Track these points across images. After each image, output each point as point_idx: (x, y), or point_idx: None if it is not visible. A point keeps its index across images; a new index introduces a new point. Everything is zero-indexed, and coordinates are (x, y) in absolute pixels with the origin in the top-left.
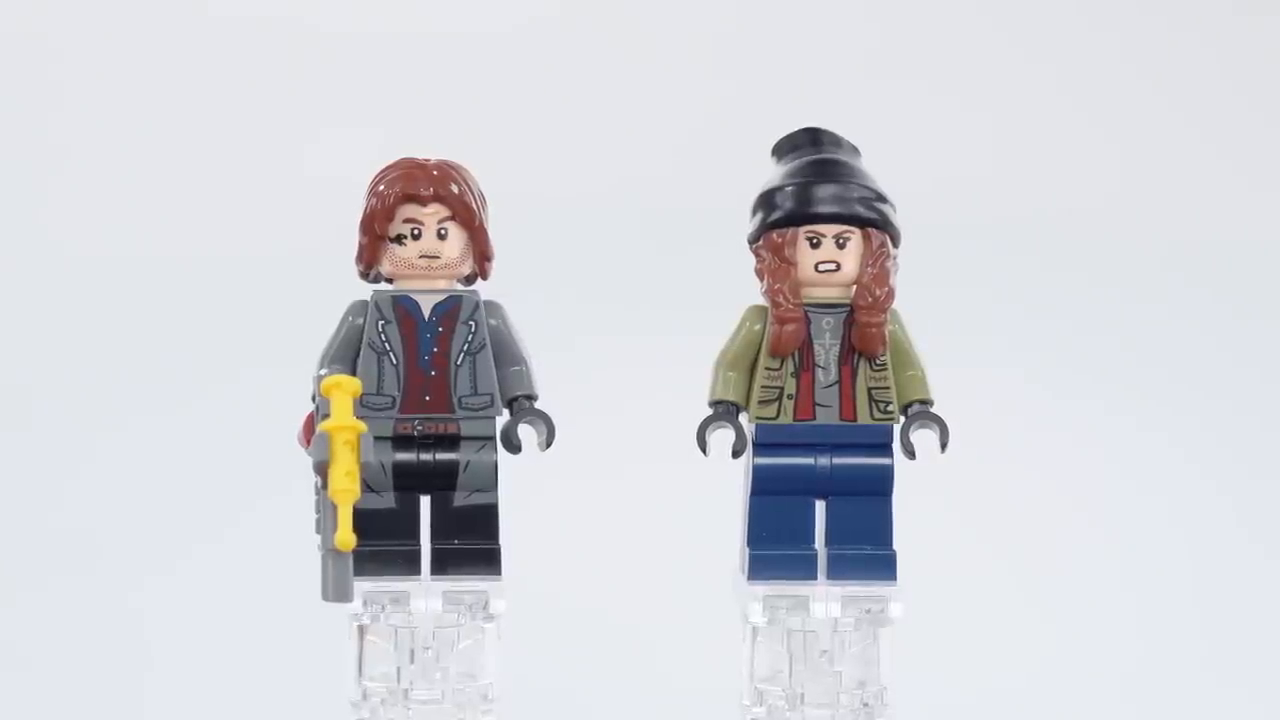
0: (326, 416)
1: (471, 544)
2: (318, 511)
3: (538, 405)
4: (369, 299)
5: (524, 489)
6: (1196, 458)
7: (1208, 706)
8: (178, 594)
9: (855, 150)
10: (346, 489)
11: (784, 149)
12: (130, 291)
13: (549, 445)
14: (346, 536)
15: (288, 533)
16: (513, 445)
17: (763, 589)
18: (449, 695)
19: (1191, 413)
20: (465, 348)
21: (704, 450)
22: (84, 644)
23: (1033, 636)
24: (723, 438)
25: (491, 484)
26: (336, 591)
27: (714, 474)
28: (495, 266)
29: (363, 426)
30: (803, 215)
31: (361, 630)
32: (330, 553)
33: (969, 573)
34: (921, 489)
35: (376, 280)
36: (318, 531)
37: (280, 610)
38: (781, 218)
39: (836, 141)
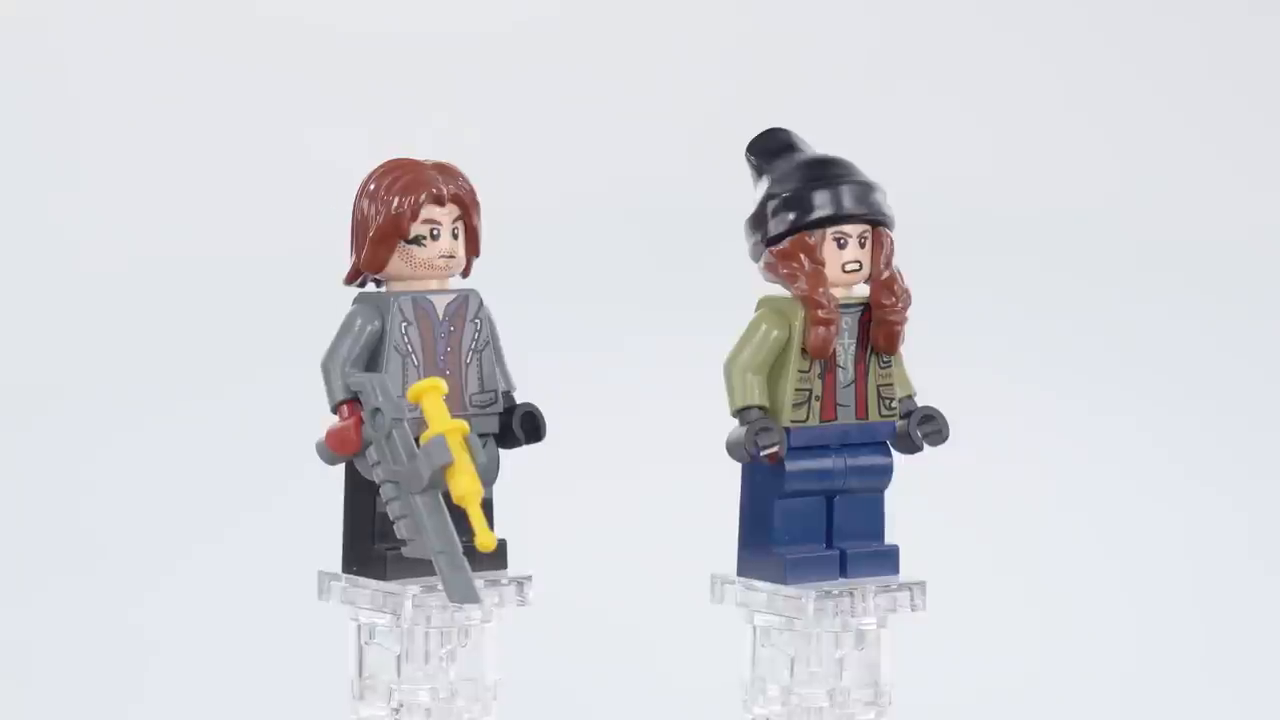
0: (399, 420)
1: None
2: (400, 515)
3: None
4: (389, 301)
5: (524, 489)
6: (1197, 458)
7: (1207, 706)
8: (178, 594)
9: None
10: (476, 489)
11: (765, 154)
12: (130, 294)
13: (541, 437)
14: (489, 537)
15: (288, 533)
16: (515, 439)
17: (814, 590)
18: (460, 693)
19: (1191, 413)
20: (473, 345)
21: (755, 456)
22: (85, 644)
23: (1032, 636)
24: (764, 441)
25: (494, 479)
26: (464, 593)
27: (713, 474)
28: (498, 267)
29: (467, 426)
30: (834, 216)
31: (368, 631)
32: (447, 555)
33: (968, 572)
34: (921, 488)
35: (364, 285)
36: (404, 536)
37: (280, 611)
38: (814, 219)
39: (802, 142)
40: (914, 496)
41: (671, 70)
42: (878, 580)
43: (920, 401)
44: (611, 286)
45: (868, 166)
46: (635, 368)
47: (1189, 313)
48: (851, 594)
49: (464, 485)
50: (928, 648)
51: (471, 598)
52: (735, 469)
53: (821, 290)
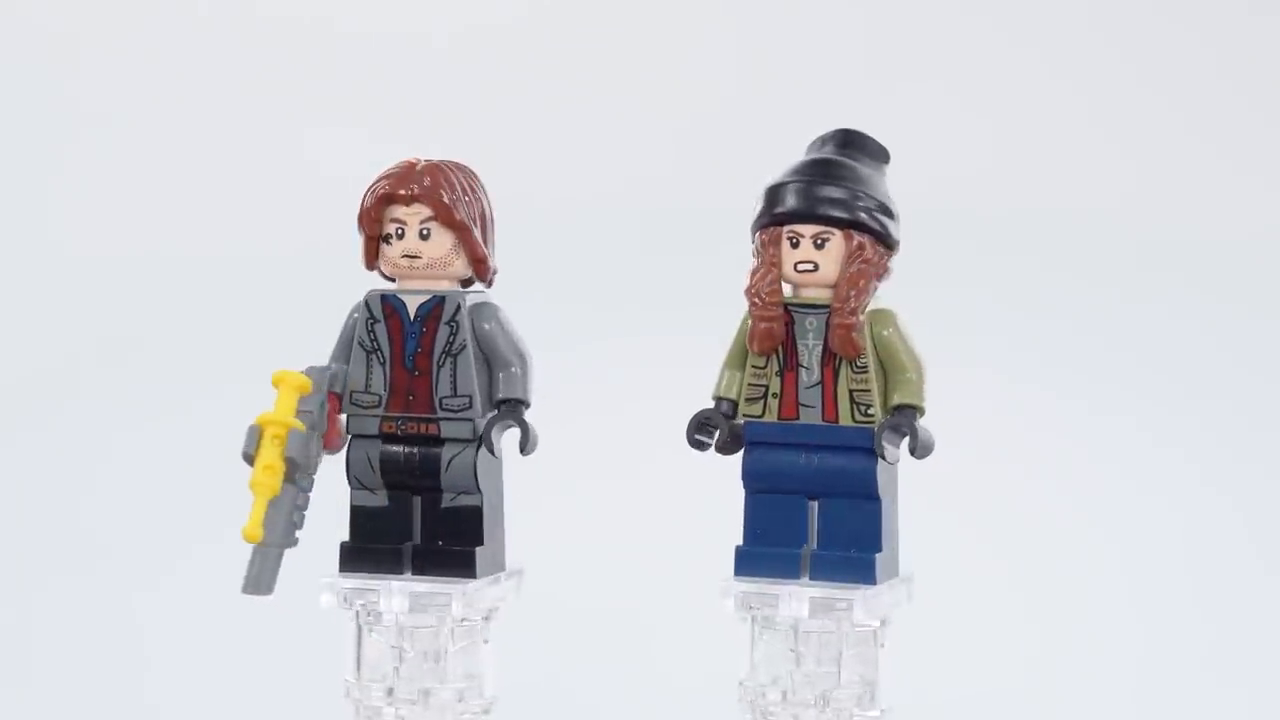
0: (309, 413)
1: (452, 545)
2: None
3: (527, 409)
4: (364, 298)
5: (526, 489)
6: (1197, 458)
7: (1209, 705)
8: (178, 594)
9: (880, 154)
10: (262, 482)
11: (811, 146)
12: (131, 293)
13: (524, 451)
14: (254, 530)
15: None
16: (488, 448)
17: (741, 586)
18: (435, 696)
19: (1192, 413)
20: (446, 349)
21: (692, 444)
22: (85, 644)
23: (1032, 636)
24: (699, 434)
25: (474, 486)
26: (251, 583)
27: (716, 474)
28: (499, 269)
29: (296, 424)
30: (781, 214)
31: (360, 629)
32: (262, 550)
33: (969, 573)
34: (921, 489)
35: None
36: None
37: (280, 610)
38: (765, 217)
39: (859, 144)
40: (914, 496)
41: (670, 70)
42: (817, 585)
43: (929, 406)
44: (614, 286)
45: (886, 171)
46: (637, 367)
47: (1189, 313)
48: (775, 595)
49: (253, 476)
50: (927, 648)
51: (260, 590)
52: (736, 467)
53: (754, 286)
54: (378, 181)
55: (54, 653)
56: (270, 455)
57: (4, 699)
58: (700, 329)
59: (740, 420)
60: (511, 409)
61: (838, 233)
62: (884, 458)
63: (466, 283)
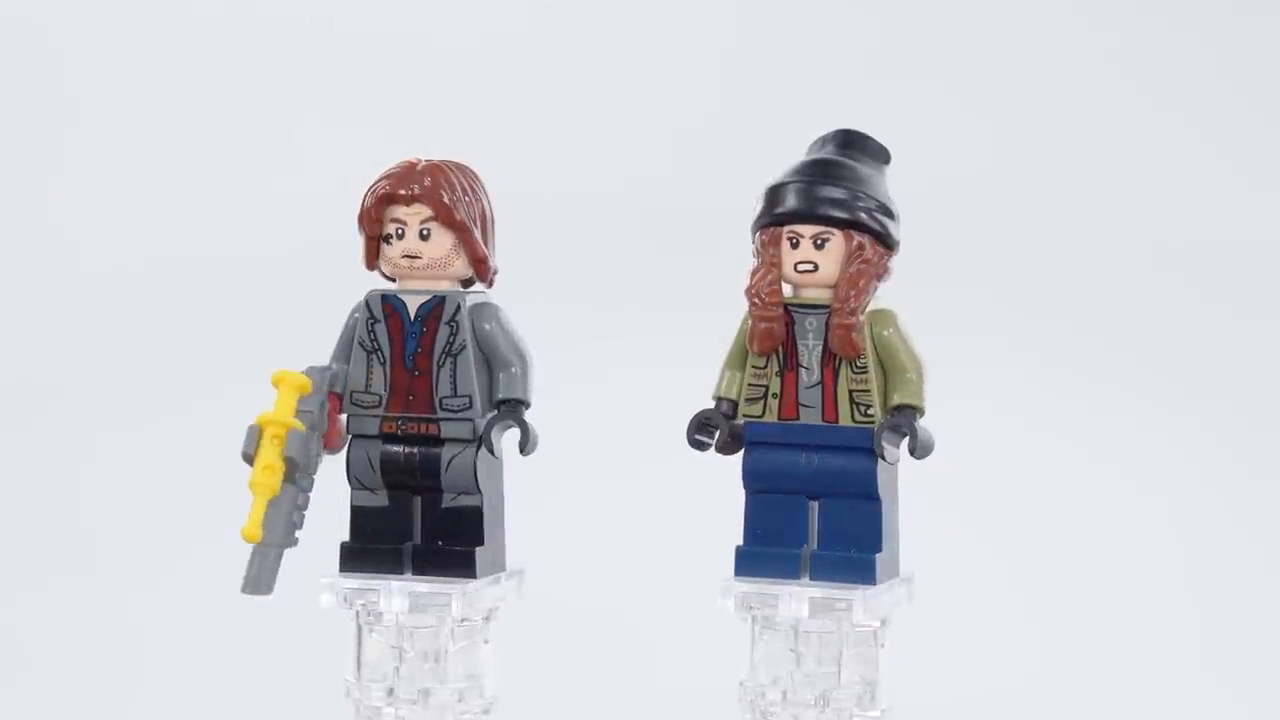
0: (309, 413)
1: (452, 545)
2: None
3: (527, 409)
4: (365, 298)
5: (526, 489)
6: (1196, 458)
7: (1207, 706)
8: (177, 594)
9: (880, 155)
10: (261, 482)
11: (811, 146)
12: (131, 292)
13: (524, 451)
14: (253, 530)
15: None
16: (488, 448)
17: (742, 586)
18: (435, 696)
19: (1191, 413)
20: (446, 349)
21: (692, 444)
22: (84, 644)
23: (1032, 636)
24: (700, 434)
25: (474, 486)
26: (251, 583)
27: (716, 474)
28: (500, 269)
29: (296, 424)
30: (780, 215)
31: (360, 629)
32: (261, 550)
33: (969, 573)
34: (921, 489)
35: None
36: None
37: (280, 610)
38: (765, 217)
39: (859, 145)
40: (914, 496)
41: (670, 70)
42: (817, 586)
43: (929, 406)
44: (611, 286)
45: (886, 171)
46: (637, 367)
47: (1189, 313)
48: (775, 595)
49: (252, 475)
50: (927, 648)
51: (260, 590)
52: (736, 467)
53: (754, 287)
54: (378, 181)
55: (53, 653)
56: (270, 455)
57: (3, 699)
58: (700, 329)
59: (740, 420)
60: (511, 409)
61: (838, 233)
62: (884, 458)
63: (467, 283)
